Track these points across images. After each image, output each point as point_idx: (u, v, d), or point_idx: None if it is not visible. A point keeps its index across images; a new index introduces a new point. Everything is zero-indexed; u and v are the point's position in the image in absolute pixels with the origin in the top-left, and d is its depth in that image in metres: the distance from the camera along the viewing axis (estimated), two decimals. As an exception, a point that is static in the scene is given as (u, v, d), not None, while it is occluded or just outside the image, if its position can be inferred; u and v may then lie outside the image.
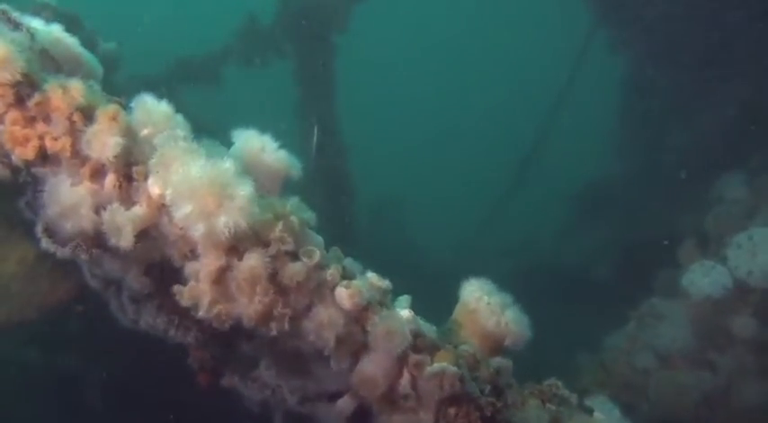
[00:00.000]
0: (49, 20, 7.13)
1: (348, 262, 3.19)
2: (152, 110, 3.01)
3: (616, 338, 7.23)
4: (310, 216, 3.11)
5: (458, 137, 25.76)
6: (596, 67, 17.12)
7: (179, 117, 3.10)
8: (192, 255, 2.91)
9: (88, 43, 8.79)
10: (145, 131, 2.97)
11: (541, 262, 16.20)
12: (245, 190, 2.80)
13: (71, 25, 7.98)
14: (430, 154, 24.82)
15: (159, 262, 3.04)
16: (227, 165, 2.85)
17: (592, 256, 13.78)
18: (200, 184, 2.75)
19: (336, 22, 9.99)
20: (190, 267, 2.93)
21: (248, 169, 3.46)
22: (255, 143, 3.50)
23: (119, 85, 11.04)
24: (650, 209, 12.70)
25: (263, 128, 3.56)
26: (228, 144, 3.44)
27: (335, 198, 11.25)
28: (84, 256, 3.05)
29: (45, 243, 3.04)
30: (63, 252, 3.05)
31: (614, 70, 15.21)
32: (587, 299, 12.96)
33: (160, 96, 3.22)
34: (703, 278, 6.49)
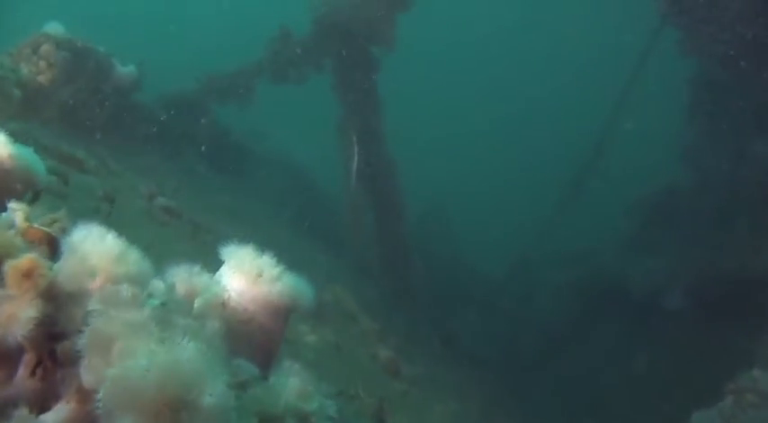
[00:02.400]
0: (49, 52, 6.39)
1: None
2: (89, 253, 2.08)
3: (708, 416, 6.07)
4: (321, 406, 2.13)
5: (512, 141, 24.38)
6: (663, 66, 15.69)
7: (132, 258, 2.16)
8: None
9: (102, 69, 8.08)
10: (77, 288, 2.04)
11: (603, 279, 14.97)
12: (213, 393, 1.84)
13: (79, 54, 7.25)
14: (481, 160, 23.58)
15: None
16: (189, 352, 1.89)
17: (661, 278, 12.47)
18: (147, 387, 1.80)
19: (382, 38, 8.98)
20: (140, 492, 1.99)
21: (241, 303, 2.57)
22: (250, 268, 2.57)
23: (142, 106, 10.38)
24: (731, 230, 11.39)
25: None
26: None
27: (385, 216, 10.36)
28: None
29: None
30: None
31: (683, 70, 13.83)
32: (657, 330, 11.76)
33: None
34: (822, 353, 5.32)
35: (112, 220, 4.49)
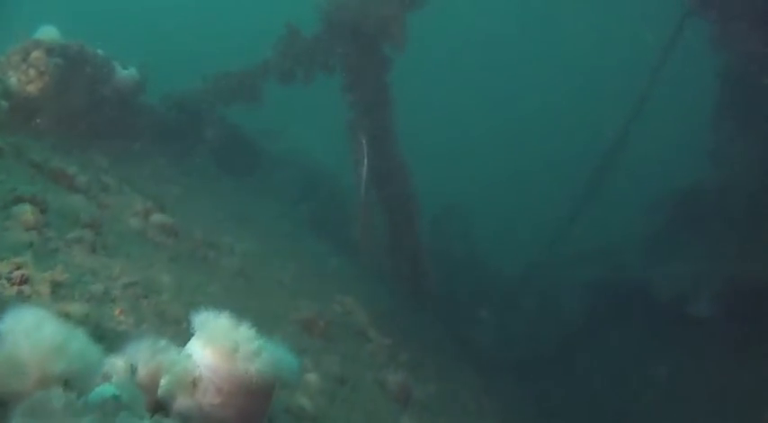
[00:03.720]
0: (40, 59, 6.06)
1: None
2: (19, 347, 1.72)
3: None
4: None
5: (531, 138, 23.67)
6: (688, 59, 15.11)
7: (74, 349, 1.79)
8: None
9: (101, 73, 7.75)
10: (3, 392, 1.68)
11: (624, 281, 14.51)
12: None
13: (73, 59, 6.92)
14: (500, 158, 22.93)
15: None
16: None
17: (686, 284, 11.95)
18: None
19: (391, 37, 8.57)
20: None
21: (214, 381, 2.20)
22: (225, 342, 2.20)
23: (147, 108, 10.06)
24: (762, 232, 10.88)
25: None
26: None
27: (397, 221, 9.97)
28: None
29: None
30: None
31: (711, 62, 13.26)
32: (682, 339, 11.29)
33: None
34: None
35: (97, 246, 4.15)
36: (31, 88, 5.74)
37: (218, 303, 4.80)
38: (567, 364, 14.00)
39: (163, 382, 2.16)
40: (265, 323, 5.53)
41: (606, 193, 17.16)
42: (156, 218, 5.74)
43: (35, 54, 5.82)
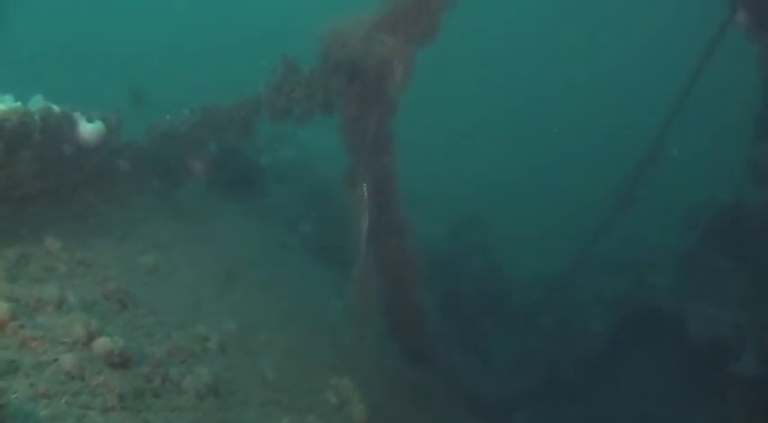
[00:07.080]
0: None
1: None
2: None
3: None
4: None
5: (558, 146, 22.07)
6: (729, 64, 13.80)
7: None
8: None
9: (57, 133, 6.74)
10: None
11: (655, 308, 13.39)
12: None
13: (9, 137, 5.89)
14: (524, 166, 21.47)
15: None
16: None
17: (727, 329, 10.78)
18: None
19: (395, 78, 7.48)
20: None
21: None
22: None
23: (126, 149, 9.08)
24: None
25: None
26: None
27: (396, 284, 9.03)
28: None
29: None
30: None
31: (751, 71, 11.98)
32: (724, 394, 10.21)
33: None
34: None
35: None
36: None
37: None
38: (587, 397, 13.06)
39: None
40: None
41: (637, 204, 16.04)
42: (101, 344, 4.73)
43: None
